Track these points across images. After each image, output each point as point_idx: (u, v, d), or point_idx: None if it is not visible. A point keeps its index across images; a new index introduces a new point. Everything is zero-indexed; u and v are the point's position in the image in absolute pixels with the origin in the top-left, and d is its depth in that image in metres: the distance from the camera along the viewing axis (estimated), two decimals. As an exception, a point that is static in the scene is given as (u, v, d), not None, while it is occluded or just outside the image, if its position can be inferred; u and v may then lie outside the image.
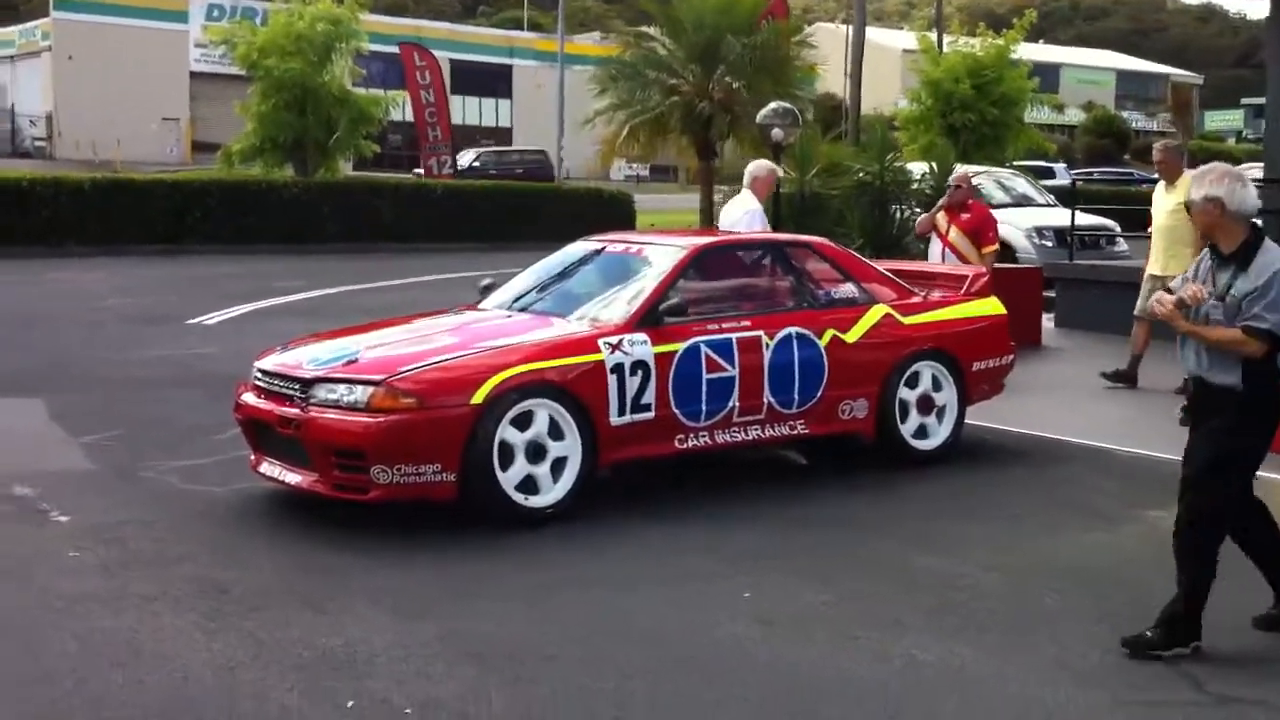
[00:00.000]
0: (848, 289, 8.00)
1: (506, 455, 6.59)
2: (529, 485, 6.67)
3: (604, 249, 8.00)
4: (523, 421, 6.64)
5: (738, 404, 7.34)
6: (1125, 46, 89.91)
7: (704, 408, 7.22)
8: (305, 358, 6.93)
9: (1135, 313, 10.67)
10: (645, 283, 7.40)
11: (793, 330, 7.52)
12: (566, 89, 32.50)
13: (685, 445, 7.23)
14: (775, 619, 5.40)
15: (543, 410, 6.71)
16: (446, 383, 6.53)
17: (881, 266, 8.56)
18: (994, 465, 8.21)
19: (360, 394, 6.47)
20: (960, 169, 13.11)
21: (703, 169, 15.16)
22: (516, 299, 7.77)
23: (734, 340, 7.34)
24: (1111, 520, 7.04)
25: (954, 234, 11.48)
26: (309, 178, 24.89)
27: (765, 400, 7.39)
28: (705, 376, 7.21)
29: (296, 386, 6.72)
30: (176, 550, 6.34)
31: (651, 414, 7.07)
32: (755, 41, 15.82)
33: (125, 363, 11.98)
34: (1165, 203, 10.41)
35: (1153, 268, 10.42)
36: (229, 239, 22.66)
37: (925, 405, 8.11)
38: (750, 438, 7.44)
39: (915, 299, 8.26)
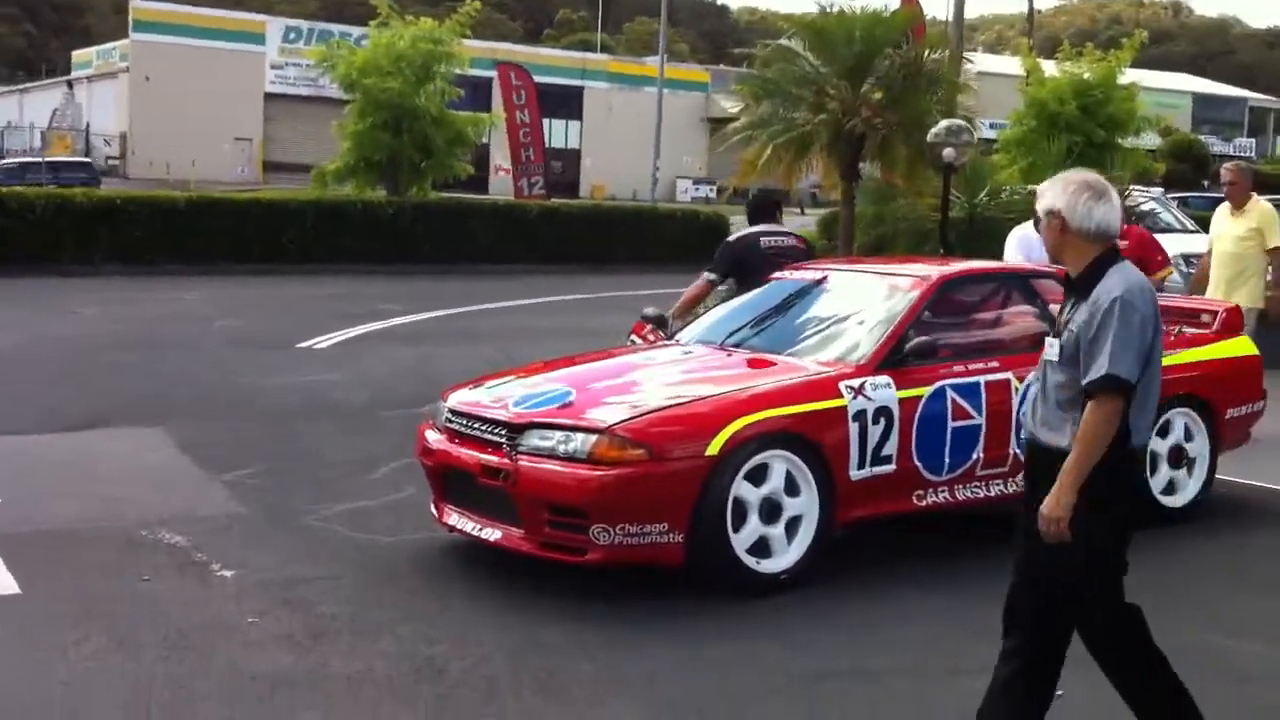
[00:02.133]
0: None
1: (739, 513, 5.75)
2: (760, 547, 5.83)
3: (825, 279, 7.14)
4: (758, 475, 5.80)
5: (982, 455, 6.47)
6: (1193, 70, 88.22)
7: (947, 460, 6.35)
8: (509, 398, 6.12)
9: None
10: (884, 318, 6.53)
11: (1040, 372, 6.62)
12: (637, 111, 31.80)
13: (924, 502, 6.36)
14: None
15: (780, 463, 5.86)
16: (678, 431, 5.70)
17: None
18: (1254, 527, 7.26)
19: (581, 442, 5.65)
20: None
21: (845, 190, 14.30)
22: (730, 334, 6.92)
23: (982, 384, 6.47)
24: None
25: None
26: (402, 197, 24.26)
27: (1011, 451, 6.50)
28: (950, 425, 6.34)
29: (503, 432, 5.91)
30: (370, 616, 5.54)
31: (892, 466, 6.21)
32: (908, 55, 15.01)
33: (245, 389, 11.27)
34: (1232, 228, 9.53)
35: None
36: (323, 258, 22.03)
37: (1176, 457, 7.20)
38: (993, 494, 6.56)
39: (1171, 337, 7.35)
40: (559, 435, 5.72)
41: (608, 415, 5.75)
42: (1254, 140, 73.67)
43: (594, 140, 60.37)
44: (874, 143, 14.73)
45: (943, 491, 6.40)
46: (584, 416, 5.79)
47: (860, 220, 17.97)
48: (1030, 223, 8.72)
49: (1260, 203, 9.55)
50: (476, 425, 6.06)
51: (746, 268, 8.21)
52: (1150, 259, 10.45)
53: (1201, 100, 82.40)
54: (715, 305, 7.99)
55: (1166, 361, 7.01)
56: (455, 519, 6.19)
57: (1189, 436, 7.24)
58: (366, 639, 5.27)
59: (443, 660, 5.03)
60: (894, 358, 6.30)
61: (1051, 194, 4.02)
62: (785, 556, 5.86)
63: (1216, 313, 7.71)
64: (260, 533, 6.90)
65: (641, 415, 5.71)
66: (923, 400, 6.27)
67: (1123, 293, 3.86)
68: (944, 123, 10.96)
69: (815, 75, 15.15)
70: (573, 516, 5.63)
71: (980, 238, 12.21)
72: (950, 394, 6.35)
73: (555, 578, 5.88)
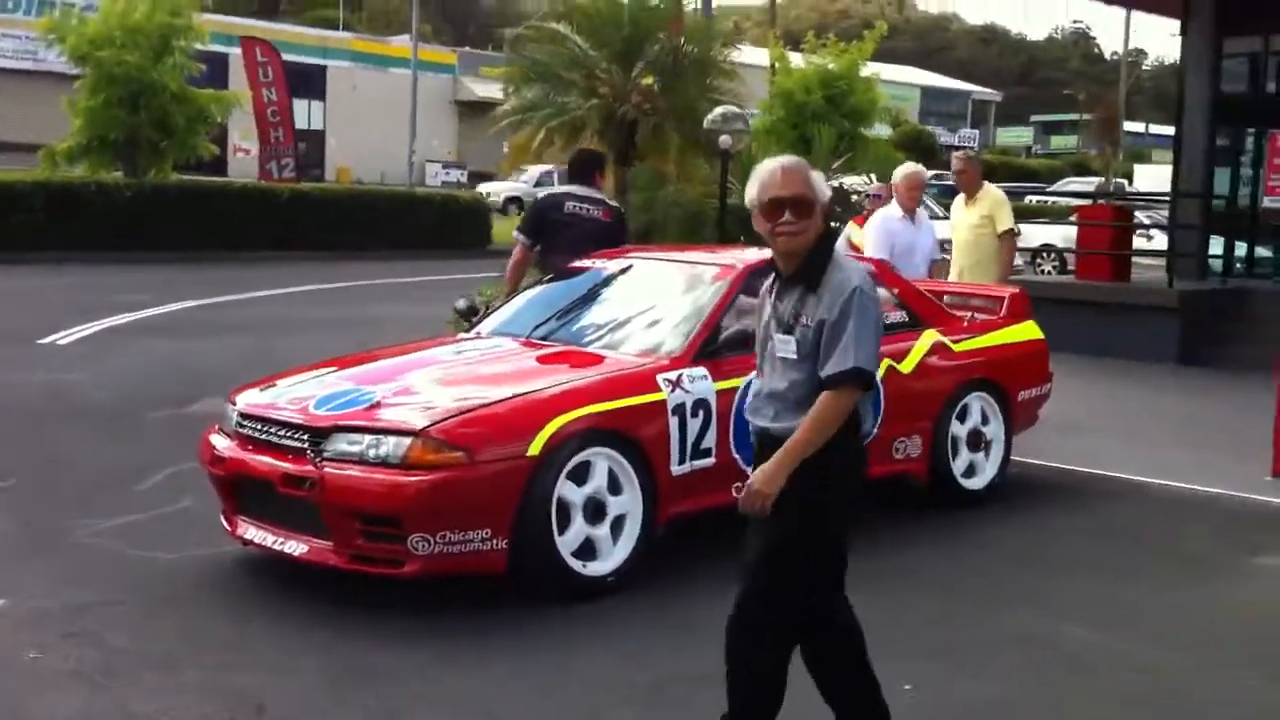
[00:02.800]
0: (897, 314, 7.11)
1: (563, 515, 5.50)
2: (585, 549, 5.60)
3: (630, 268, 6.93)
4: (580, 474, 5.56)
5: (796, 446, 6.38)
6: (918, 64, 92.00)
7: (762, 451, 6.24)
8: (308, 400, 5.69)
9: None
10: (695, 308, 6.37)
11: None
12: (383, 92, 30.87)
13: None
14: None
15: (602, 460, 5.64)
16: (497, 432, 5.40)
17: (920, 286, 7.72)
18: (1049, 507, 7.44)
19: (393, 446, 5.29)
20: (878, 184, 12.30)
21: (620, 175, 14.16)
22: (536, 326, 6.64)
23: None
24: (1226, 571, 6.32)
25: (855, 236, 10.25)
26: (140, 179, 22.91)
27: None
28: (767, 415, 6.23)
29: (305, 436, 5.49)
30: (166, 646, 5.06)
31: (712, 459, 6.06)
32: (678, 41, 14.90)
33: (-15, 391, 10.37)
34: (967, 216, 9.80)
35: None
36: (56, 245, 20.61)
37: (974, 440, 7.30)
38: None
39: (962, 323, 7.45)
40: (368, 439, 5.35)
41: (420, 416, 5.40)
42: (976, 132, 77.25)
43: (338, 121, 58.62)
44: (646, 129, 14.63)
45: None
46: (394, 418, 5.43)
47: (629, 207, 17.88)
48: (887, 210, 8.85)
49: (990, 190, 9.81)
50: (274, 430, 5.63)
51: (545, 229, 7.95)
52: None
53: (928, 93, 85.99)
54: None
55: (963, 347, 7.19)
56: (251, 532, 5.74)
57: (985, 420, 7.35)
58: (167, 673, 4.80)
59: (258, 693, 4.61)
60: (708, 349, 6.15)
61: (819, 181, 3.88)
62: (611, 558, 5.64)
63: (1003, 298, 7.86)
64: (26, 553, 6.27)
65: (456, 416, 5.39)
66: (738, 391, 6.14)
67: (860, 283, 3.81)
68: (719, 109, 10.92)
69: (585, 59, 14.95)
70: (387, 525, 5.27)
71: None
72: (764, 384, 6.24)
73: (364, 593, 5.52)
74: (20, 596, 5.58)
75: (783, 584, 3.79)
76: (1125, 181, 47.34)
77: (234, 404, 6.00)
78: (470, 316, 7.35)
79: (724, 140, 10.81)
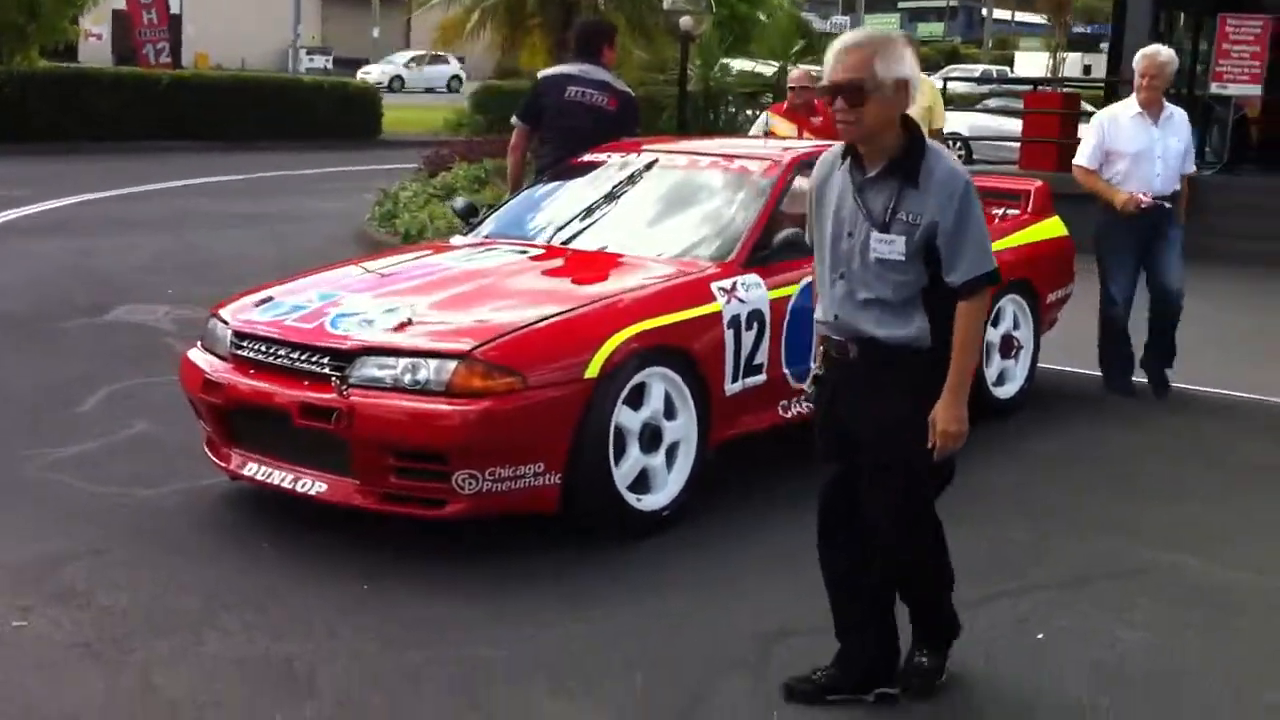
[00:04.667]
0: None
1: (619, 444, 4.86)
2: (640, 481, 4.97)
3: (655, 162, 6.21)
4: (635, 398, 4.91)
5: (843, 358, 5.81)
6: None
7: (813, 364, 5.65)
8: (321, 317, 4.93)
9: None
10: (743, 207, 5.72)
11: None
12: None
13: (789, 413, 5.66)
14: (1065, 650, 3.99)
15: (658, 382, 4.99)
16: (552, 352, 4.71)
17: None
18: (1090, 414, 6.97)
19: (435, 371, 4.56)
20: (799, 68, 11.41)
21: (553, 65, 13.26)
22: (559, 228, 5.91)
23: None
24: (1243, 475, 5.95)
25: (782, 128, 9.21)
26: (7, 66, 21.22)
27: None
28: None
29: (327, 360, 4.74)
30: (176, 605, 4.32)
31: (764, 376, 5.46)
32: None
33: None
34: None
35: None
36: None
37: (1006, 346, 6.81)
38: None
39: (992, 220, 6.91)
40: (403, 363, 4.62)
41: (462, 336, 4.68)
42: (847, 19, 76.77)
43: (195, 5, 55.78)
44: (589, 12, 13.70)
45: (803, 400, 5.71)
46: (432, 339, 4.70)
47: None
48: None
49: (926, 80, 9.27)
50: (285, 353, 4.86)
51: (543, 111, 7.17)
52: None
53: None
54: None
55: (998, 247, 6.66)
56: (252, 468, 4.99)
57: (1016, 324, 6.86)
58: (184, 640, 4.07)
59: (302, 663, 3.92)
60: (760, 253, 5.52)
61: (899, 58, 3.42)
62: (665, 490, 5.02)
63: (1029, 192, 7.34)
64: (-27, 494, 5.44)
65: (506, 335, 4.68)
66: (792, 299, 5.54)
67: (967, 176, 3.51)
68: (680, -11, 10.10)
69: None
70: (429, 462, 4.57)
71: (713, 112, 11.53)
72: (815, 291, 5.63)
73: (389, 534, 4.83)
74: (-18, 548, 4.78)
75: (914, 505, 3.60)
76: (1008, 69, 47.38)
77: (224, 321, 5.19)
78: (469, 217, 6.58)
79: (684, 22, 10.04)
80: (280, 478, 4.88)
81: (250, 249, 12.41)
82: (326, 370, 4.71)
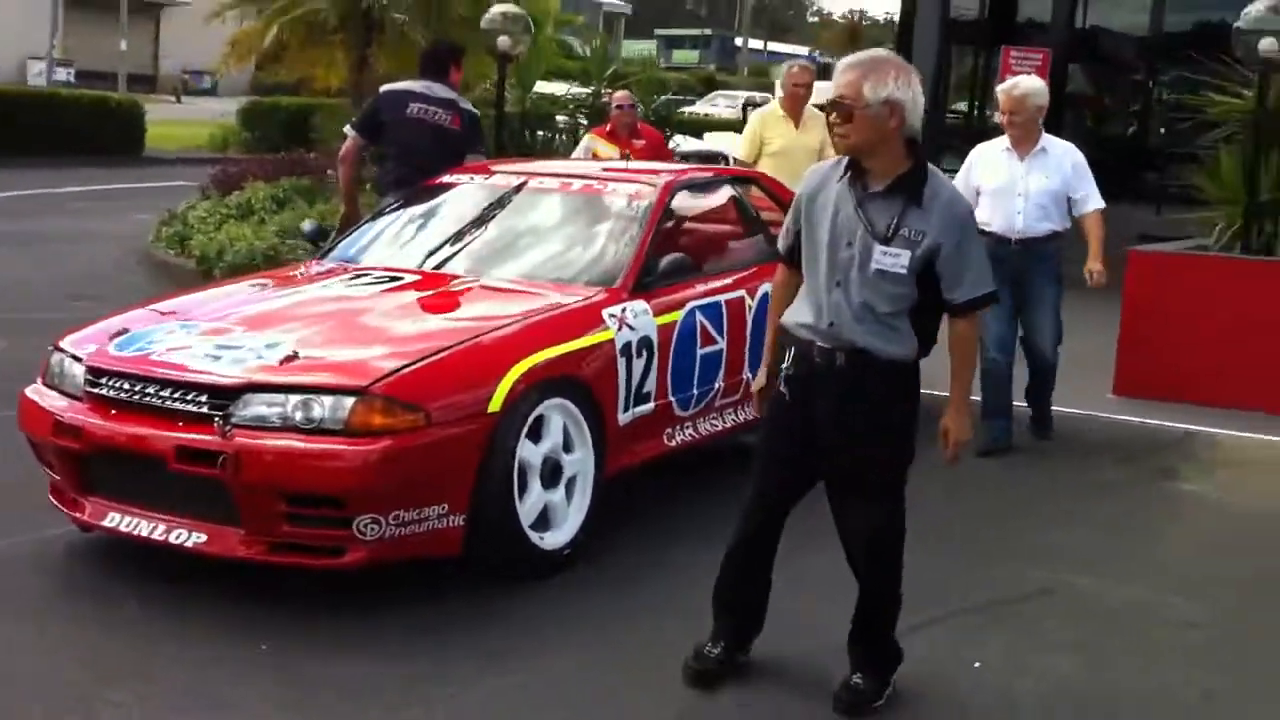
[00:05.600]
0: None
1: (521, 480, 4.62)
2: (542, 518, 4.75)
3: (525, 184, 5.97)
4: (534, 432, 4.69)
5: (723, 383, 5.72)
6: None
7: (695, 391, 5.56)
8: (191, 351, 4.53)
9: None
10: (622, 232, 5.55)
11: (767, 287, 5.95)
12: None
13: (674, 441, 5.53)
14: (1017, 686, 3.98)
15: (557, 413, 4.78)
16: (454, 386, 4.44)
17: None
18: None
19: (330, 409, 4.24)
20: (620, 91, 11.32)
21: (354, 83, 12.71)
22: (427, 255, 5.62)
23: (723, 303, 5.70)
24: (1148, 496, 6.12)
25: (602, 150, 9.10)
26: None
27: (744, 377, 5.78)
28: (699, 352, 5.54)
29: (203, 398, 4.35)
30: (57, 677, 3.88)
31: (651, 405, 5.31)
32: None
33: None
34: (801, 140, 8.25)
35: None
36: None
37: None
38: (728, 424, 5.84)
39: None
40: (294, 400, 4.27)
41: (358, 371, 4.37)
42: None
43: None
44: (392, 30, 13.24)
45: (688, 428, 5.59)
46: (324, 374, 4.37)
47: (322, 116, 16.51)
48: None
49: (817, 113, 9.13)
50: (154, 390, 4.44)
51: (382, 126, 6.90)
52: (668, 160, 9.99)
53: (563, 3, 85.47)
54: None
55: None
56: (115, 519, 4.54)
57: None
58: (77, 717, 3.65)
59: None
60: (645, 279, 5.37)
61: (885, 80, 3.56)
62: (567, 526, 4.81)
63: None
64: None
65: (405, 369, 4.38)
66: (676, 326, 5.41)
67: (968, 203, 3.89)
68: (498, 8, 9.81)
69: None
70: (327, 507, 4.24)
71: (529, 134, 11.32)
72: (699, 317, 5.54)
73: (260, 583, 4.46)
74: None
75: (894, 517, 3.79)
76: (770, 95, 48.49)
77: (75, 356, 4.73)
78: (319, 240, 6.22)
79: (502, 42, 9.80)
80: (148, 529, 4.45)
81: (25, 273, 11.54)
82: (205, 409, 4.33)
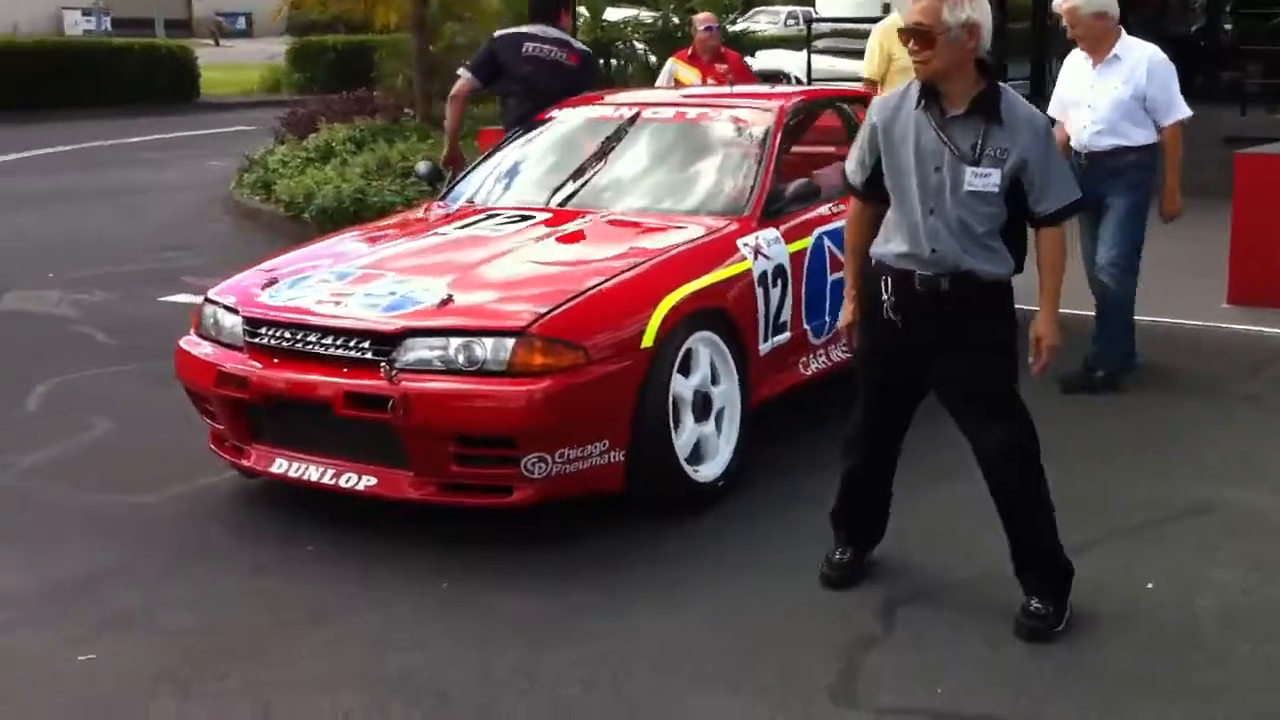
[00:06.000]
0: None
1: (675, 414, 4.69)
2: (695, 451, 4.82)
3: (639, 114, 5.99)
4: (684, 365, 4.75)
5: (850, 309, 5.75)
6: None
7: (827, 319, 5.59)
8: (350, 298, 4.61)
9: None
10: (745, 158, 5.57)
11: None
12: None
13: (809, 370, 5.58)
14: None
15: (704, 346, 4.83)
16: (609, 323, 4.50)
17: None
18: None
19: (492, 350, 4.31)
20: (702, 14, 11.20)
21: (415, 17, 12.60)
22: (553, 192, 5.67)
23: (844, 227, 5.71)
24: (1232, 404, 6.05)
25: (683, 74, 9.07)
26: None
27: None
28: (830, 278, 5.56)
29: (368, 344, 4.44)
30: (243, 622, 4.00)
31: (788, 334, 5.36)
32: None
33: None
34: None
35: None
36: None
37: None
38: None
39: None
40: (455, 343, 4.35)
41: (516, 311, 4.44)
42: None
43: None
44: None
45: (821, 355, 5.64)
46: (484, 315, 4.44)
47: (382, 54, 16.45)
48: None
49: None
50: (316, 338, 4.53)
51: (498, 67, 6.96)
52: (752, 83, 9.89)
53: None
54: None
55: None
56: (282, 465, 4.65)
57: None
58: (279, 659, 3.77)
59: (423, 675, 3.66)
60: (772, 206, 5.39)
61: (963, 2, 3.62)
62: (719, 459, 4.88)
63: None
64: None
65: (560, 307, 4.44)
66: (807, 253, 5.44)
67: (1044, 115, 4.00)
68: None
69: None
70: (494, 447, 4.33)
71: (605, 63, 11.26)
72: (827, 243, 5.55)
73: (437, 523, 4.57)
74: (-9, 573, 4.36)
75: (1023, 425, 3.82)
76: (811, 10, 47.69)
77: (230, 308, 4.82)
78: (435, 181, 6.29)
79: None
80: (317, 473, 4.57)
81: (116, 225, 11.71)
82: (369, 355, 4.41)
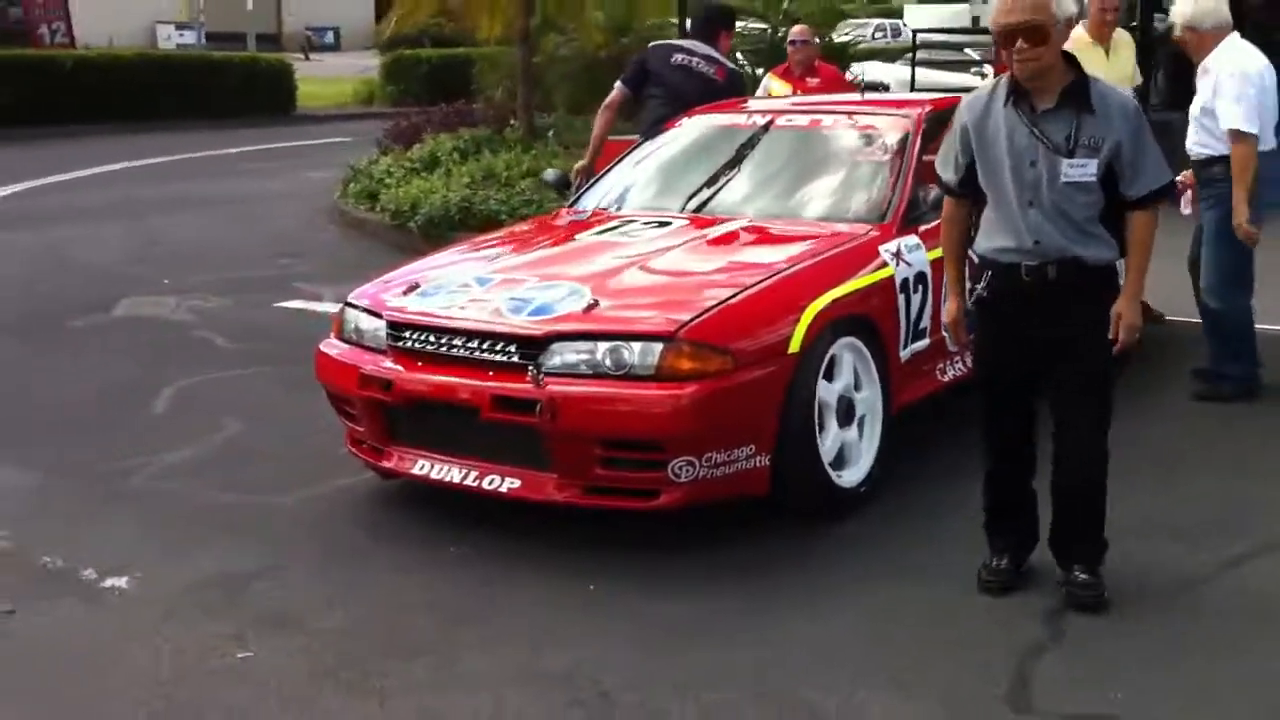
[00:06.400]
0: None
1: (820, 420, 4.63)
2: (838, 456, 4.75)
3: (772, 121, 5.95)
4: (829, 371, 4.69)
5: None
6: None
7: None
8: (494, 303, 4.60)
9: None
10: (886, 166, 5.50)
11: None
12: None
13: (946, 377, 5.49)
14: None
15: (847, 352, 4.77)
16: (757, 328, 4.46)
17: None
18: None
19: (639, 354, 4.28)
20: (799, 26, 11.09)
21: (521, 29, 12.64)
22: (688, 198, 5.63)
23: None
24: None
25: None
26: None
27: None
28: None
29: (514, 348, 4.43)
30: (397, 622, 4.00)
31: (927, 340, 5.28)
32: None
33: None
34: (1107, 68, 7.10)
35: None
36: None
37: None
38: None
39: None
40: (603, 347, 4.32)
41: (664, 316, 4.40)
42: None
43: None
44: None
45: (958, 362, 5.54)
46: (631, 320, 4.42)
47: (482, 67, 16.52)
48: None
49: (1123, 33, 7.60)
50: (461, 342, 4.53)
51: (645, 74, 6.98)
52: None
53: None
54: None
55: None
56: (423, 466, 4.65)
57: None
58: (433, 659, 3.75)
59: (584, 673, 3.62)
60: (913, 213, 5.32)
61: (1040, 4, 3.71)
62: (861, 464, 4.82)
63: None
64: (95, 511, 5.03)
65: (708, 312, 4.41)
66: (946, 260, 5.36)
67: (1134, 99, 4.10)
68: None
69: None
70: (641, 451, 4.30)
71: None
72: (966, 249, 5.46)
73: (575, 528, 4.55)
74: (138, 570, 4.38)
75: (1108, 409, 3.93)
76: (899, 22, 47.40)
77: (373, 312, 4.84)
78: (563, 188, 6.29)
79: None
80: (459, 475, 4.56)
81: (219, 234, 11.86)
82: (516, 359, 4.40)
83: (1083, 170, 3.74)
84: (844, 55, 13.16)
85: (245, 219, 12.72)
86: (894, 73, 23.15)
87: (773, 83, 9.19)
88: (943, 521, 4.63)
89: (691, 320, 4.35)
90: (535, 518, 4.59)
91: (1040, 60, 3.70)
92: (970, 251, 4.08)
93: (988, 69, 23.66)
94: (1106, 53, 7.05)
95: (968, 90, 7.76)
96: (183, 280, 9.55)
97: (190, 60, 22.16)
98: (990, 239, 3.92)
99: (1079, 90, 3.76)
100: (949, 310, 4.15)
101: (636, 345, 4.29)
